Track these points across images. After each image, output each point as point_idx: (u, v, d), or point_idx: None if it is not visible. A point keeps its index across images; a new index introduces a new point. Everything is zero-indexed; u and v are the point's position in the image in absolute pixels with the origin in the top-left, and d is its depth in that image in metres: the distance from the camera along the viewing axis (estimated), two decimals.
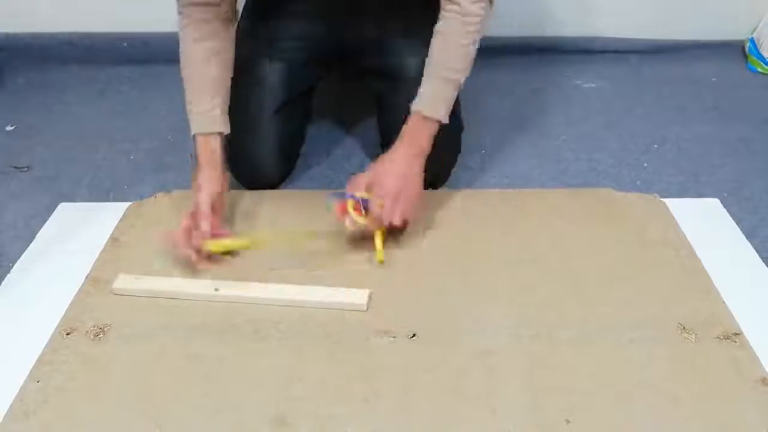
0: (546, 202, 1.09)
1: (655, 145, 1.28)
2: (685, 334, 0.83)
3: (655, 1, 1.58)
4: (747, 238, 1.01)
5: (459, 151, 1.15)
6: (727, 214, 1.06)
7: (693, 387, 0.76)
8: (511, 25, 1.58)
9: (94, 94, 1.51)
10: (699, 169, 1.20)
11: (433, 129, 0.96)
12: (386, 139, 1.06)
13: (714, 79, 1.55)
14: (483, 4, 0.93)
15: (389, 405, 0.75)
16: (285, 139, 1.13)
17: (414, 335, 0.83)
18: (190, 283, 0.91)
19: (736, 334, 0.83)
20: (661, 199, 1.09)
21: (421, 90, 0.95)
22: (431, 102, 0.95)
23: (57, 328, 0.85)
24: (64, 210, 1.10)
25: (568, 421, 0.72)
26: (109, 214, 1.06)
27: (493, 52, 1.58)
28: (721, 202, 1.09)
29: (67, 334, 0.84)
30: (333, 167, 1.21)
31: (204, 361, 0.80)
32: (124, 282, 0.91)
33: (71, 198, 1.13)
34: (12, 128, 1.37)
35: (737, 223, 1.04)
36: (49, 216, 1.08)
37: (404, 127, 0.96)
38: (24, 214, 1.10)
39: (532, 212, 1.06)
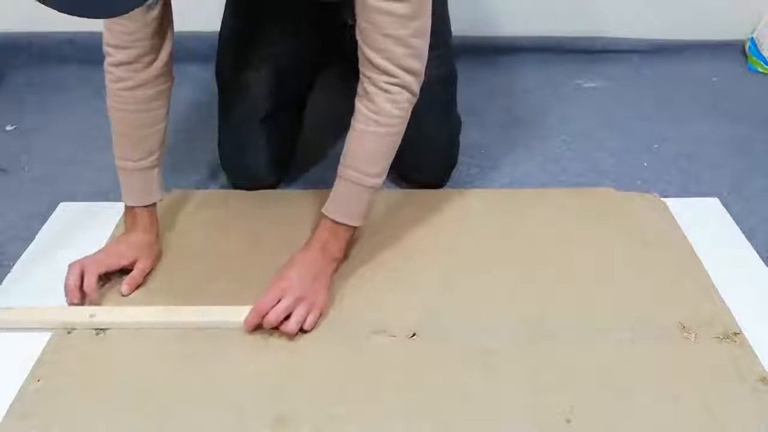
0: (546, 201, 1.09)
1: (656, 145, 1.28)
2: (685, 334, 0.83)
3: (656, 1, 1.58)
4: (747, 237, 1.01)
5: (458, 151, 1.15)
6: (727, 213, 1.06)
7: (693, 386, 0.76)
8: (511, 24, 1.58)
9: (94, 93, 1.51)
10: (699, 168, 1.20)
11: (348, 234, 0.89)
12: None
13: (714, 79, 1.55)
14: (406, 105, 0.83)
15: (389, 405, 0.75)
16: (275, 146, 1.11)
17: (414, 335, 0.83)
18: (65, 311, 0.85)
19: (735, 333, 0.83)
20: (661, 198, 1.09)
21: (333, 192, 0.87)
22: (344, 208, 0.87)
23: (58, 327, 0.85)
24: (65, 209, 1.10)
25: (568, 421, 0.72)
26: (109, 214, 1.05)
27: (493, 52, 1.58)
28: (721, 202, 1.09)
29: (68, 332, 0.84)
30: (330, 168, 1.20)
31: (204, 360, 0.80)
32: None
33: (71, 198, 1.13)
34: (12, 128, 1.37)
35: (737, 223, 1.04)
36: (49, 216, 1.08)
37: (316, 231, 0.88)
38: (24, 213, 1.10)
39: (532, 212, 1.06)
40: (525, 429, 0.72)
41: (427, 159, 1.09)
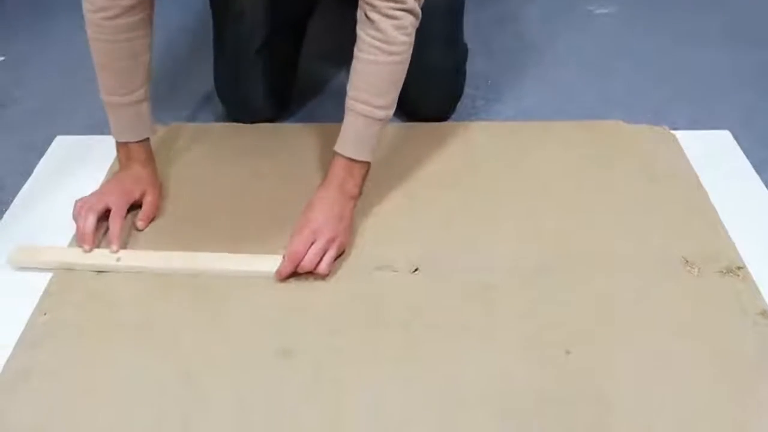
0: (553, 134, 1.06)
1: (668, 74, 1.24)
2: (689, 268, 0.83)
3: None
4: (756, 170, 0.99)
5: (464, 81, 1.11)
6: (738, 146, 1.04)
7: (693, 320, 0.77)
8: None
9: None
10: (712, 98, 1.17)
11: (363, 171, 0.86)
12: None
13: (732, 3, 1.47)
14: (411, 29, 0.80)
15: (391, 338, 0.76)
16: (274, 74, 1.07)
17: (416, 270, 0.84)
18: (90, 253, 0.84)
19: (739, 267, 0.82)
20: (671, 131, 1.06)
21: (344, 128, 0.85)
22: (356, 143, 0.84)
23: (87, 269, 0.84)
24: (61, 143, 1.08)
25: (568, 352, 0.73)
26: (106, 147, 1.03)
27: None
28: (732, 134, 1.06)
29: (72, 269, 0.84)
30: (331, 99, 1.17)
31: (209, 294, 0.81)
32: (21, 255, 0.85)
33: (67, 131, 1.11)
34: (1, 59, 1.33)
35: (747, 156, 1.02)
36: (45, 149, 1.06)
37: (331, 170, 0.86)
38: (21, 147, 1.08)
39: (539, 145, 1.04)
40: (524, 360, 0.73)
41: (432, 90, 1.06)
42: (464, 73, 1.11)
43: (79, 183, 0.98)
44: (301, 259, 0.80)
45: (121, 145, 0.92)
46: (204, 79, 1.16)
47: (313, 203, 0.84)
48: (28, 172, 1.02)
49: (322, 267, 0.80)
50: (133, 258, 0.84)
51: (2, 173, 1.03)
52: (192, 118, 1.14)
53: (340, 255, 0.84)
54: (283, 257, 0.81)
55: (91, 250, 0.85)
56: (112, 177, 0.94)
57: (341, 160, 0.86)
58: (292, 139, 1.07)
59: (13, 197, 0.97)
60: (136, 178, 0.91)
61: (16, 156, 1.07)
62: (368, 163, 0.87)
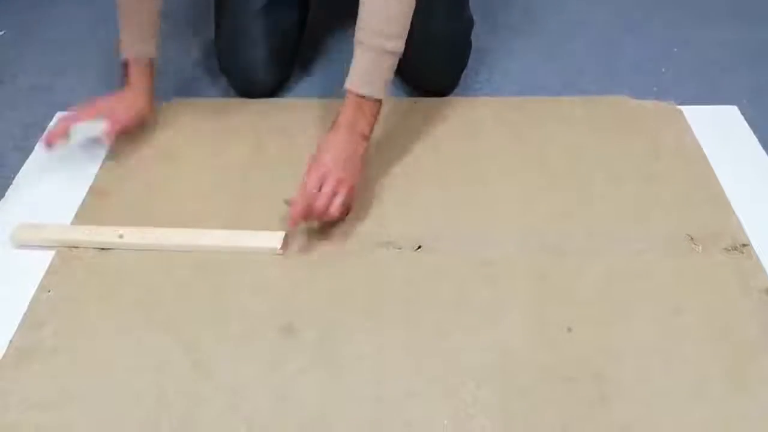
0: (559, 110, 1.05)
1: (675, 49, 1.22)
2: (693, 245, 0.82)
3: None
4: (764, 146, 0.98)
5: (469, 53, 1.09)
6: (745, 122, 1.03)
7: (696, 297, 0.76)
8: None
9: None
10: (719, 74, 1.15)
11: (375, 110, 0.84)
12: None
13: None
14: None
15: (393, 315, 0.76)
16: (276, 39, 1.05)
17: (419, 247, 0.83)
18: (93, 231, 0.85)
19: (744, 245, 0.82)
20: (678, 106, 1.05)
21: (353, 64, 0.83)
22: (367, 79, 0.82)
23: (88, 246, 0.84)
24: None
25: (569, 330, 0.73)
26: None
27: None
28: (740, 110, 1.05)
29: (75, 246, 0.84)
30: (336, 71, 1.16)
31: (211, 270, 0.81)
32: (23, 232, 0.85)
33: (67, 107, 1.10)
34: (1, 33, 1.31)
35: (755, 132, 1.01)
36: (46, 125, 1.05)
37: (342, 109, 0.83)
38: (21, 124, 1.08)
39: (543, 121, 1.03)
40: (526, 337, 0.73)
41: (436, 61, 1.04)
42: (469, 45, 1.09)
43: (80, 159, 0.97)
44: (314, 201, 0.79)
45: (124, 69, 0.95)
46: (208, 52, 1.15)
47: (323, 146, 0.82)
48: (29, 149, 1.01)
49: (332, 211, 0.79)
50: (136, 235, 0.84)
51: (3, 150, 1.03)
52: (195, 94, 1.13)
53: (349, 204, 0.83)
54: (292, 200, 0.79)
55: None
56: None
57: (352, 98, 0.83)
58: (296, 113, 1.06)
59: (15, 174, 0.97)
60: (121, 98, 0.95)
61: (16, 133, 1.06)
62: (380, 102, 0.85)
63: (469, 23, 1.08)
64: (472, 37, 1.10)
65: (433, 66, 1.05)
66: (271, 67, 1.07)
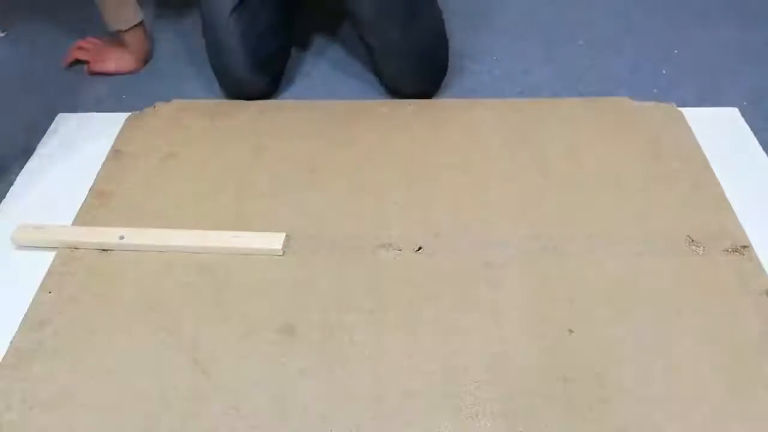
0: (559, 111, 1.05)
1: (676, 51, 1.22)
2: (693, 247, 0.82)
3: None
4: (764, 148, 0.98)
5: (445, 54, 1.05)
6: (746, 124, 1.03)
7: (696, 299, 0.77)
8: None
9: None
10: (720, 75, 1.15)
11: None
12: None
13: None
14: None
15: (394, 316, 0.76)
16: (254, 43, 1.00)
17: (420, 248, 0.83)
18: (94, 232, 0.85)
19: (744, 246, 0.82)
20: (679, 108, 1.05)
21: None
22: None
23: (90, 248, 0.84)
24: (63, 120, 1.07)
25: (570, 331, 0.73)
26: (108, 124, 1.04)
27: None
28: (741, 111, 1.05)
29: (76, 247, 0.84)
30: (335, 72, 1.16)
31: (212, 271, 0.81)
32: (24, 233, 0.85)
33: (68, 108, 1.10)
34: (3, 34, 1.32)
35: (755, 134, 1.00)
36: (47, 127, 1.06)
37: None
38: (22, 125, 1.07)
39: (544, 122, 1.03)
40: (526, 338, 0.73)
41: (407, 70, 1.02)
42: (442, 47, 1.04)
43: (81, 160, 0.97)
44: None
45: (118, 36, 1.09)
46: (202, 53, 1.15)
47: None
48: (30, 150, 1.01)
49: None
50: (137, 236, 0.84)
51: (4, 151, 1.03)
52: (195, 94, 1.13)
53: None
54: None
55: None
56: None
57: None
58: (296, 113, 1.05)
59: (16, 175, 0.97)
60: (121, 55, 1.13)
61: (17, 134, 1.06)
62: None
63: (432, 23, 1.02)
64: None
65: (407, 72, 1.03)
66: (257, 69, 1.03)
